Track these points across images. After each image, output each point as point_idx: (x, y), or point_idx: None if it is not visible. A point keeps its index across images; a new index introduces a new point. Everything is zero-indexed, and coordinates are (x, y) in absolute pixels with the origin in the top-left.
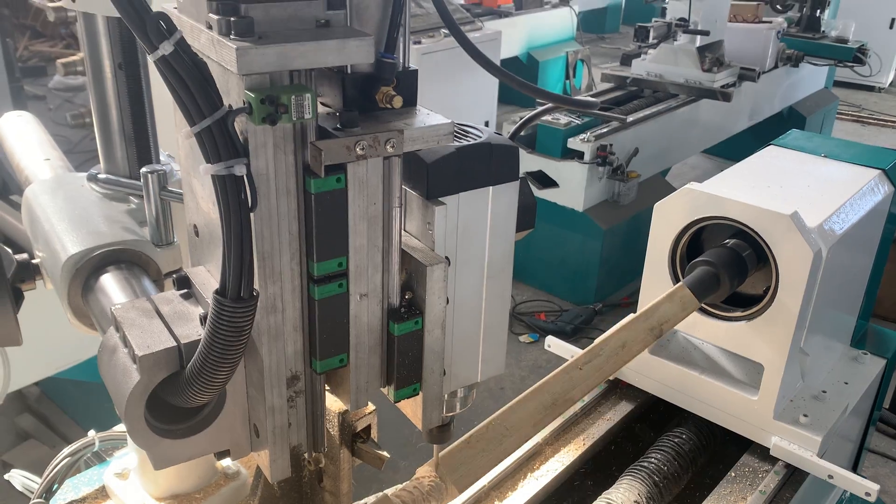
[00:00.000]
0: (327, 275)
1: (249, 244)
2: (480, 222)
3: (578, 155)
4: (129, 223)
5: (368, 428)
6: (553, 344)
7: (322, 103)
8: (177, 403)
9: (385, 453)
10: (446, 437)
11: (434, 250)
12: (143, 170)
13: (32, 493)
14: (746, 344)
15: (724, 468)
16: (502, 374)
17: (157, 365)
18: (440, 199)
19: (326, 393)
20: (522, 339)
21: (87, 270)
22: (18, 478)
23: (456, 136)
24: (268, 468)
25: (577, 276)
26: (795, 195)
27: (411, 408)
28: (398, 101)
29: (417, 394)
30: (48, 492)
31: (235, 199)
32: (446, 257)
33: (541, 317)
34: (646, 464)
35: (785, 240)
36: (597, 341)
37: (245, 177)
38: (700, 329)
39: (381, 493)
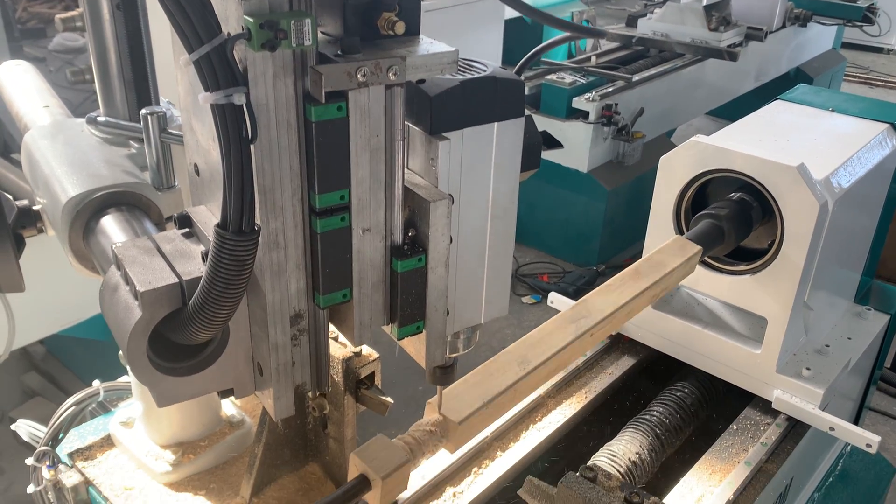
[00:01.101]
0: (329, 207)
1: (250, 176)
2: (485, 159)
3: (583, 115)
4: (130, 167)
5: (372, 375)
6: (556, 300)
7: (322, 32)
8: (179, 341)
9: (389, 399)
10: (450, 379)
11: (437, 187)
12: (143, 111)
13: (38, 442)
14: (750, 298)
15: (726, 422)
16: (504, 335)
17: (159, 301)
18: (444, 133)
19: (331, 340)
20: (525, 300)
21: (87, 213)
22: (25, 428)
23: (460, 71)
24: (272, 407)
25: (581, 237)
26: (802, 148)
27: (414, 346)
28: (400, 27)
29: (421, 332)
30: (54, 440)
31: (235, 130)
32: (450, 195)
33: (543, 278)
34: (648, 416)
35: (791, 192)
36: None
37: (244, 106)
38: (704, 283)
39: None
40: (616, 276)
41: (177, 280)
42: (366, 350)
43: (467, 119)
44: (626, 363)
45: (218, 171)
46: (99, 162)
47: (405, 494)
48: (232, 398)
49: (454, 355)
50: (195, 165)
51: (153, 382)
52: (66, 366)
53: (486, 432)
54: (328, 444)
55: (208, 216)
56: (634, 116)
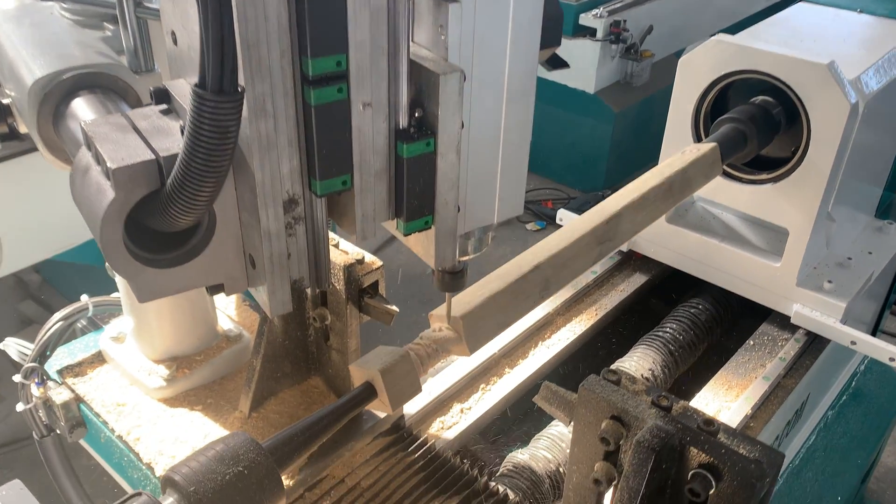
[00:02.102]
0: (324, 75)
1: (230, 24)
2: (500, 31)
3: (590, 32)
4: (105, 49)
5: (376, 283)
6: (565, 217)
7: None
8: (160, 228)
9: (394, 307)
10: (460, 285)
11: (447, 60)
12: None
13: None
14: (771, 208)
15: (741, 340)
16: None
17: (134, 180)
18: None
19: (330, 246)
20: (529, 226)
21: (57, 96)
22: (13, 347)
23: None
24: (266, 303)
25: (587, 162)
26: (830, 49)
27: (422, 245)
28: None
29: (429, 227)
30: (42, 356)
31: None
32: (461, 70)
33: (548, 204)
34: (661, 333)
35: (820, 92)
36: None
37: None
38: (722, 193)
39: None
40: (637, 182)
41: (153, 157)
42: (368, 258)
43: None
44: (637, 280)
45: (197, 37)
46: (70, 43)
47: (411, 409)
48: (229, 314)
49: (464, 259)
50: (172, 33)
51: (132, 274)
52: (62, 294)
53: (494, 348)
54: (331, 357)
55: (188, 90)
56: (643, 34)
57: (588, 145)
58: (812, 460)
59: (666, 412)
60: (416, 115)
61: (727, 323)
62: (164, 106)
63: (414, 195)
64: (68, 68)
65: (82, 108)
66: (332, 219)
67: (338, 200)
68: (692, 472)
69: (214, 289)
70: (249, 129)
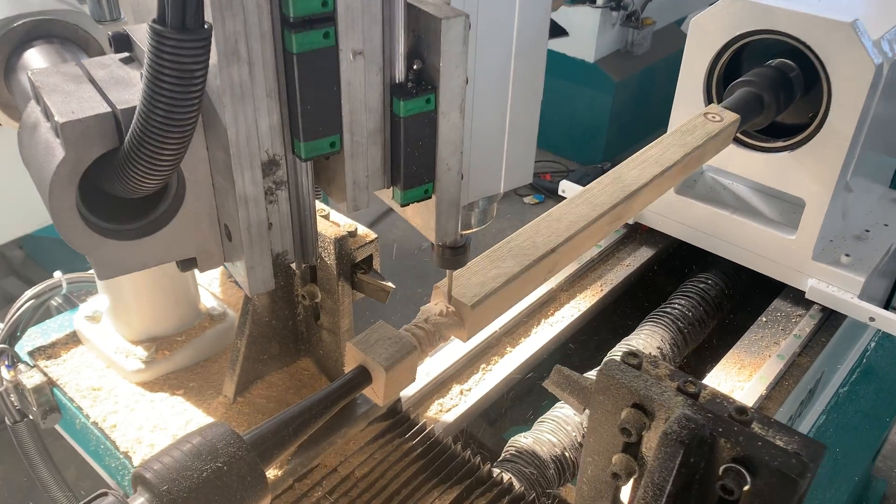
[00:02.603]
0: (308, 17)
1: None
2: None
3: None
4: None
5: (370, 258)
6: (567, 189)
7: None
8: (120, 193)
9: (390, 284)
10: (461, 261)
11: (450, 3)
12: None
13: None
14: (787, 177)
15: (752, 317)
16: (506, 238)
17: (87, 137)
18: None
19: (319, 217)
20: (527, 200)
21: (8, 45)
22: None
23: None
24: (245, 280)
25: (586, 133)
26: (851, 8)
27: (422, 217)
28: None
29: (430, 196)
30: (12, 337)
31: None
32: (466, 15)
33: (546, 177)
34: (669, 309)
35: (843, 52)
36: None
37: None
38: (735, 162)
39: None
40: (655, 150)
41: (109, 110)
42: (361, 230)
43: None
44: (644, 254)
45: None
46: None
47: (408, 392)
48: (213, 291)
49: (467, 232)
50: None
51: (89, 248)
52: (47, 270)
53: (495, 326)
54: (322, 337)
55: None
56: (645, 1)
57: (587, 116)
58: (824, 441)
59: (693, 399)
60: (415, 67)
61: (737, 299)
62: (125, 54)
63: (412, 160)
64: (21, 14)
65: (36, 60)
66: (319, 186)
67: (325, 165)
68: (724, 466)
69: (186, 264)
70: (220, 76)
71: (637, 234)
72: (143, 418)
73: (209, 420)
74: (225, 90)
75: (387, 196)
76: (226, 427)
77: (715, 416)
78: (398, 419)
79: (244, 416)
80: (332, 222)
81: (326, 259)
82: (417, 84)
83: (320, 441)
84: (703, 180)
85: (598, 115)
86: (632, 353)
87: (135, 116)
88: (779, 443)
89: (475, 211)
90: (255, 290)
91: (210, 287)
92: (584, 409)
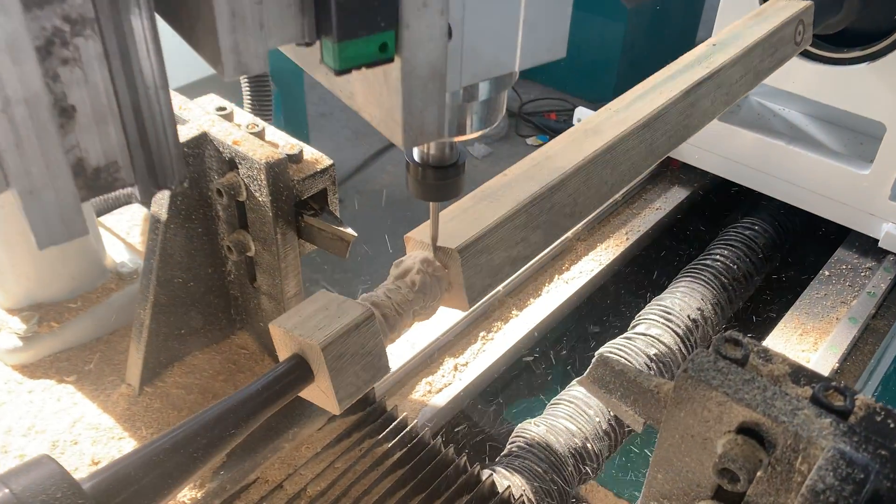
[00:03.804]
0: None
1: None
2: None
3: None
4: None
5: (323, 193)
6: (583, 117)
7: None
8: None
9: (350, 231)
10: (451, 189)
11: None
12: None
13: None
14: (863, 95)
15: (803, 270)
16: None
17: None
18: None
19: (247, 133)
20: (530, 141)
21: None
22: None
23: None
24: (27, 220)
25: (595, 68)
26: None
27: (379, 101)
28: None
29: (390, 58)
30: None
31: None
32: None
33: (551, 116)
34: (709, 262)
35: None
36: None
37: None
38: (797, 78)
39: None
40: (701, 49)
41: None
42: (310, 153)
43: None
44: (676, 196)
45: None
46: None
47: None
48: (130, 241)
49: (462, 138)
50: None
51: None
52: None
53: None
54: (261, 304)
55: None
56: None
57: (596, 49)
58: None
59: (843, 419)
60: None
61: (786, 249)
62: None
63: None
64: None
65: None
66: (181, 34)
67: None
68: None
69: None
70: None
71: (668, 170)
72: (13, 417)
73: (103, 420)
74: None
75: (311, 59)
76: (54, 466)
77: (891, 453)
78: (369, 413)
79: (153, 413)
80: (268, 142)
81: (257, 194)
82: None
83: (259, 447)
84: (749, 105)
85: (608, 47)
86: (731, 339)
87: None
88: None
89: (474, 102)
90: (44, 244)
91: (129, 236)
92: (644, 424)
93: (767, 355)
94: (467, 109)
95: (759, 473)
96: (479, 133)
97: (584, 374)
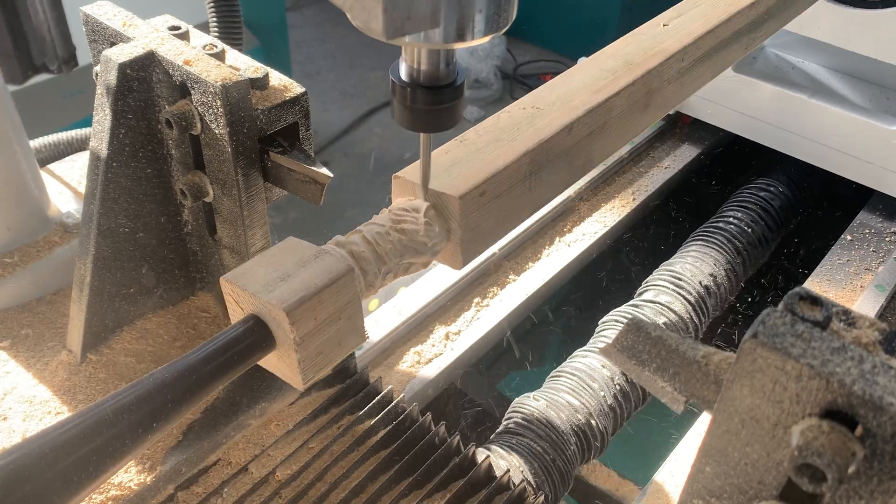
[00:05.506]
0: None
1: None
2: None
3: None
4: None
5: (294, 128)
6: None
7: None
8: None
9: (325, 171)
10: (449, 118)
11: None
12: None
13: None
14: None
15: (821, 233)
16: None
17: None
18: None
19: (204, 54)
20: None
21: None
22: None
23: None
24: None
25: (592, 28)
26: None
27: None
28: None
29: None
30: None
31: None
32: None
33: (546, 78)
34: (722, 224)
35: None
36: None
37: None
38: (821, 23)
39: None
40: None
41: None
42: (277, 79)
43: None
44: (686, 154)
45: None
46: None
47: (366, 341)
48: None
49: (459, 45)
50: None
51: None
52: None
53: (494, 248)
54: (222, 259)
55: None
56: None
57: (593, 7)
58: None
59: None
60: None
61: (806, 210)
62: None
63: None
64: None
65: None
66: None
67: None
68: None
69: None
70: None
71: (677, 127)
72: None
73: (38, 392)
74: None
75: None
76: None
77: None
78: (349, 385)
79: (97, 384)
80: (230, 66)
81: (213, 126)
82: None
83: (220, 425)
84: (765, 57)
85: (606, 5)
86: (808, 297)
87: None
88: None
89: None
90: None
91: (80, 184)
92: (684, 404)
93: (850, 318)
94: (470, 16)
95: (850, 469)
96: (485, 39)
97: (611, 342)
